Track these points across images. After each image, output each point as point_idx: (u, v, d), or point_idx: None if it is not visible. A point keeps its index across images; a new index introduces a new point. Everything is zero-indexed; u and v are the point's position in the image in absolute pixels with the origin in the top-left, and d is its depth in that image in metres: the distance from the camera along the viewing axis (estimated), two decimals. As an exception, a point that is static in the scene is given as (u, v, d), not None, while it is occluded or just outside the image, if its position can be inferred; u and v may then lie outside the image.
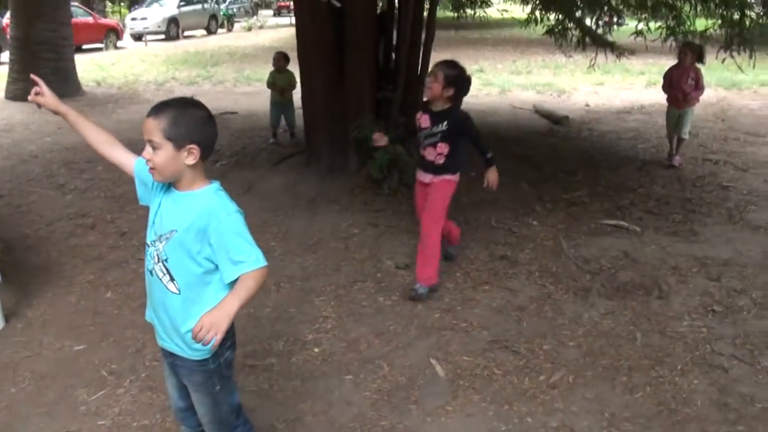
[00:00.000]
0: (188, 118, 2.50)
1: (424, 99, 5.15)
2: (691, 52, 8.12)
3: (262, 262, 2.49)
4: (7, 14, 24.06)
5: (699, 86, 8.20)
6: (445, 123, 4.87)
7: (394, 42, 8.10)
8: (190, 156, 2.50)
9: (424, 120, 4.99)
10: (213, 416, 2.81)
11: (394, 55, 8.08)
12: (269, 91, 10.07)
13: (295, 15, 8.18)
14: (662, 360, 4.19)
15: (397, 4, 8.00)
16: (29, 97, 2.93)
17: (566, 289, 5.16)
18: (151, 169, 2.53)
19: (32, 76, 2.90)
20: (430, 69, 5.25)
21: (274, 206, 6.94)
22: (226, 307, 2.45)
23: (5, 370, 4.21)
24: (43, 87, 2.86)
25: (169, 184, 2.62)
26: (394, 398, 3.84)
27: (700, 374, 4.05)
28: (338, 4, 3.63)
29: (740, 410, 3.72)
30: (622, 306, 4.90)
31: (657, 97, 13.37)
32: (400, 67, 7.67)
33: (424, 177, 5.14)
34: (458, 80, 4.84)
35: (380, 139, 5.27)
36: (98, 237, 6.39)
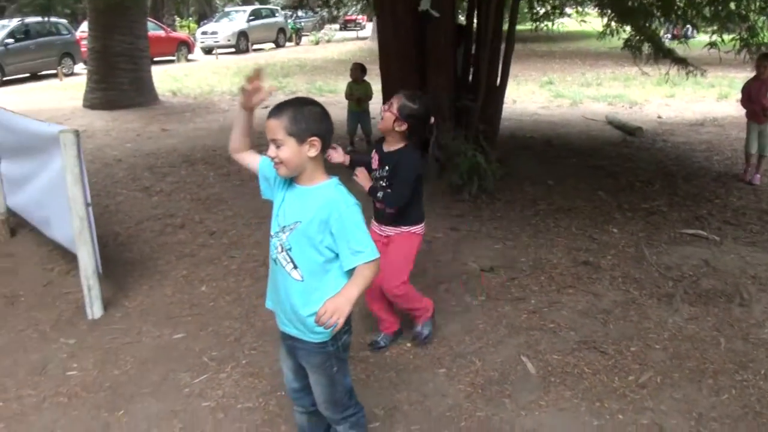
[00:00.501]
0: (306, 115, 2.69)
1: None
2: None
3: (377, 253, 2.68)
4: (81, 28, 25.04)
5: None
6: (391, 167, 4.06)
7: (473, 53, 8.22)
8: (312, 148, 2.69)
9: (374, 159, 4.20)
10: (328, 396, 2.97)
11: (473, 66, 8.21)
12: (343, 101, 10.32)
13: (377, 27, 8.40)
14: (746, 365, 4.24)
15: (476, 17, 8.14)
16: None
17: (650, 294, 5.22)
18: (277, 164, 2.71)
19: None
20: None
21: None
22: (348, 294, 2.64)
23: (107, 354, 4.47)
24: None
25: (291, 180, 2.80)
26: (488, 392, 3.96)
27: (785, 379, 4.09)
28: (436, 14, 3.77)
29: (825, 413, 3.76)
30: (705, 312, 4.95)
31: (729, 109, 13.35)
32: (479, 77, 7.80)
33: (379, 229, 4.27)
34: (415, 116, 3.99)
35: (336, 156, 4.00)
36: (188, 236, 6.65)
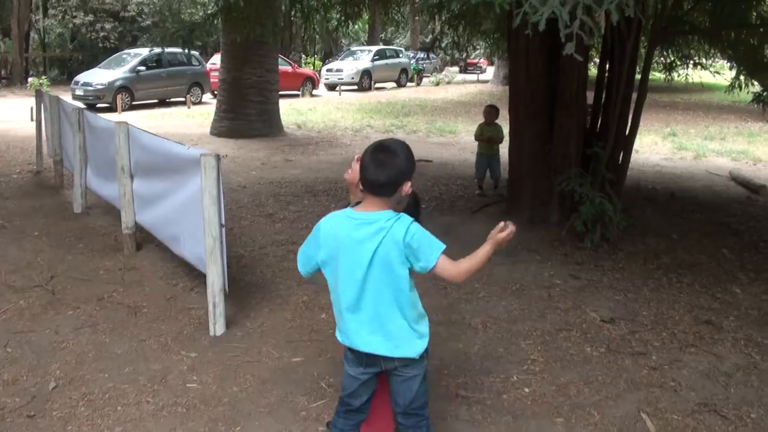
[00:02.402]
0: None
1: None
2: None
3: None
4: (211, 60, 26.09)
5: None
6: None
7: (604, 100, 8.18)
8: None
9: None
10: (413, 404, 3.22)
11: (602, 114, 8.16)
12: (462, 141, 10.35)
13: (509, 70, 8.45)
14: None
15: (609, 64, 8.11)
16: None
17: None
18: None
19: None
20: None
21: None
22: None
23: (227, 370, 4.61)
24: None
25: None
26: (606, 446, 3.91)
27: None
28: (581, 58, 3.80)
29: None
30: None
31: None
32: (609, 125, 7.74)
33: None
34: None
35: None
36: (309, 264, 6.77)
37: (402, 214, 2.99)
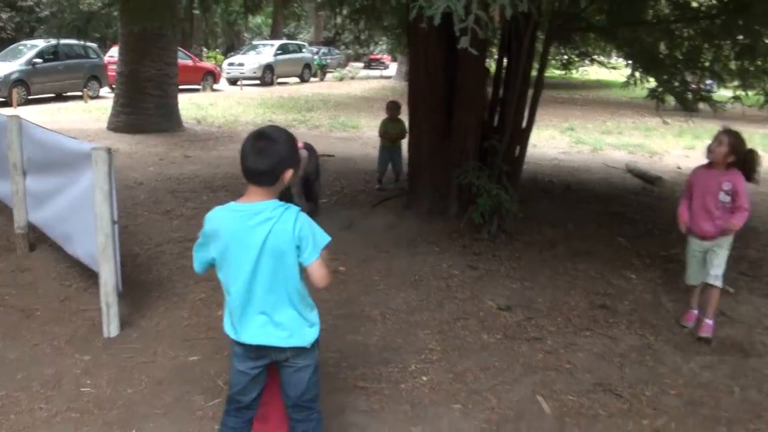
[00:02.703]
0: None
1: None
2: (730, 143, 5.13)
3: None
4: (109, 52, 25.43)
5: (738, 205, 5.12)
6: None
7: (501, 95, 8.31)
8: None
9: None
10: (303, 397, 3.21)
11: (499, 108, 8.29)
12: (365, 136, 10.32)
13: (409, 64, 8.50)
14: (760, 414, 4.24)
15: (506, 61, 8.24)
16: None
17: (666, 340, 5.23)
18: None
19: None
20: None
21: (375, 244, 7.15)
22: None
23: (122, 372, 4.49)
24: None
25: None
26: (503, 429, 3.96)
27: (801, 431, 4.08)
28: (475, 52, 3.83)
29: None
30: (720, 361, 4.95)
31: (751, 164, 13.34)
32: (506, 119, 7.87)
33: None
34: None
35: None
36: (206, 261, 6.67)
37: (289, 204, 2.95)
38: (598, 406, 4.23)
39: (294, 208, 2.93)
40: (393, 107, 10.08)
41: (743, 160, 5.17)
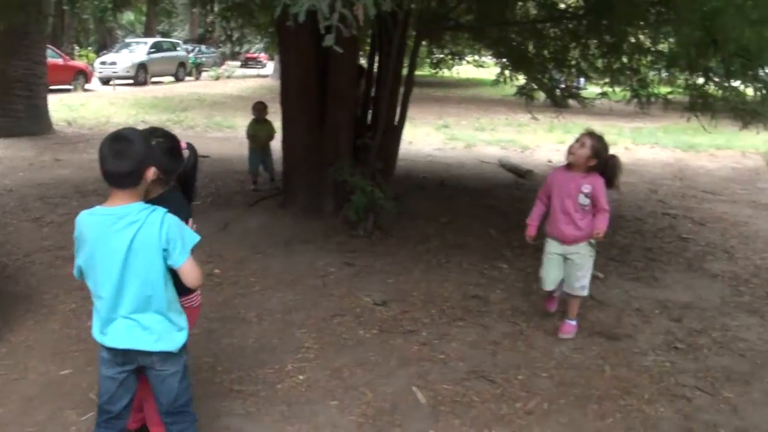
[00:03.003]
0: None
1: None
2: (592, 147, 4.91)
3: None
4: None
5: (599, 208, 4.99)
6: None
7: (374, 93, 8.39)
8: None
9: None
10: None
11: (372, 106, 8.37)
12: (240, 136, 10.18)
13: (280, 63, 8.46)
14: (630, 390, 4.44)
15: (377, 59, 8.32)
16: None
17: (537, 326, 5.40)
18: None
19: None
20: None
21: (250, 245, 7.11)
22: None
23: (-9, 391, 4.30)
24: None
25: None
26: (379, 422, 4.01)
27: (666, 403, 4.31)
28: (340, 50, 3.87)
29: (703, 435, 3.98)
30: (590, 342, 5.16)
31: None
32: (379, 116, 7.95)
33: None
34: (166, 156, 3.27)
35: None
36: (77, 268, 6.48)
37: (156, 206, 2.92)
38: (472, 393, 4.33)
39: (160, 210, 2.90)
40: (260, 108, 9.91)
41: (604, 165, 4.98)
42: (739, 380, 4.70)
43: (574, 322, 5.30)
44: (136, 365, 3.06)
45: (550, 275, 5.27)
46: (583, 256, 5.16)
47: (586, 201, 4.97)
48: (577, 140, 4.98)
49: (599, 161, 4.93)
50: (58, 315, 5.45)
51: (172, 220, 2.92)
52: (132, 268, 2.88)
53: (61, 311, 5.51)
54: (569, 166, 5.07)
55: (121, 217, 2.85)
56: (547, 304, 5.64)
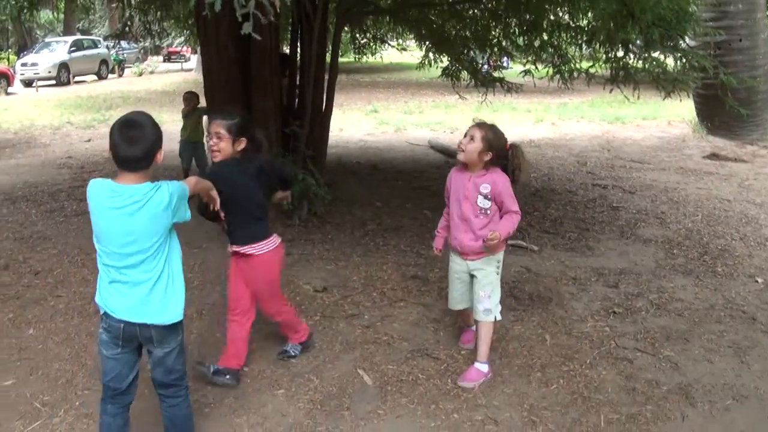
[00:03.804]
0: None
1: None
2: (483, 138, 4.16)
3: None
4: None
5: (506, 210, 4.23)
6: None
7: (298, 81, 8.35)
8: None
9: None
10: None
11: (298, 94, 8.33)
12: (167, 132, 9.69)
13: (201, 56, 8.37)
14: (572, 356, 4.55)
15: (299, 46, 8.28)
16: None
17: (476, 303, 5.45)
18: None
19: None
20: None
21: (185, 240, 6.94)
22: None
23: (-69, 409, 4.19)
24: None
25: None
26: (327, 407, 4.02)
27: (608, 366, 4.43)
28: (258, 37, 3.84)
29: (647, 393, 4.12)
30: (530, 313, 5.26)
31: (545, 132, 14.21)
32: (305, 104, 7.92)
33: (238, 247, 4.25)
34: (244, 129, 4.13)
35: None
36: (12, 277, 6.32)
37: (160, 182, 3.03)
38: (417, 371, 4.38)
39: (164, 184, 3.03)
40: (190, 98, 9.63)
41: (503, 157, 4.24)
42: (678, 339, 4.85)
43: (482, 367, 4.30)
44: (137, 342, 3.18)
45: (454, 293, 4.52)
46: (488, 273, 4.31)
47: (486, 203, 4.18)
48: (466, 134, 4.23)
49: (496, 154, 4.16)
50: (-5, 326, 5.32)
51: (174, 185, 3.05)
52: (136, 244, 3.00)
53: (-2, 322, 5.39)
54: (465, 166, 4.28)
55: (130, 195, 2.94)
56: (463, 336, 4.80)
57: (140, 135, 2.96)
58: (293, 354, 4.61)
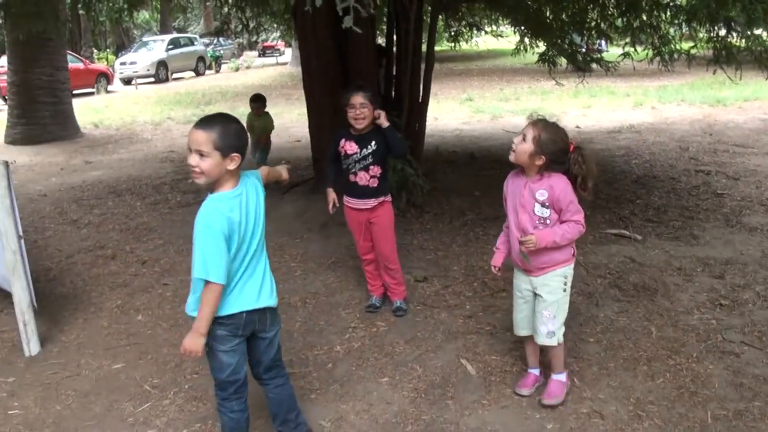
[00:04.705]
0: (232, 132, 3.01)
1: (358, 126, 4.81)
2: (535, 139, 3.63)
3: (218, 279, 2.96)
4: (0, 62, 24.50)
5: (566, 219, 3.71)
6: (373, 143, 4.82)
7: (395, 72, 8.39)
8: (233, 162, 2.98)
9: (349, 146, 4.86)
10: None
11: (395, 85, 8.37)
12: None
13: (299, 49, 8.48)
14: (678, 350, 4.45)
15: (396, 38, 8.32)
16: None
17: (579, 292, 5.39)
18: (197, 173, 2.97)
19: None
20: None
21: (288, 231, 7.18)
22: (195, 328, 3.03)
23: (48, 390, 4.41)
24: None
25: None
26: (431, 395, 4.06)
27: (715, 360, 4.32)
28: (359, 30, 3.89)
29: (755, 389, 3.99)
30: (635, 305, 5.16)
31: (645, 116, 13.87)
32: (402, 94, 7.95)
33: (360, 203, 5.01)
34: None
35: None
36: (120, 266, 6.60)
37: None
38: (521, 363, 4.34)
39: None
40: (257, 102, 9.43)
41: (560, 162, 3.67)
42: (786, 332, 4.70)
43: (561, 377, 4.00)
44: (254, 327, 3.27)
45: (517, 315, 4.05)
46: (553, 290, 3.84)
47: (545, 212, 3.70)
48: (521, 132, 3.76)
49: (550, 158, 3.64)
50: (106, 312, 5.57)
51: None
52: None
53: (108, 308, 5.63)
54: (522, 169, 3.82)
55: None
56: (521, 381, 4.14)
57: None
58: (406, 308, 5.16)
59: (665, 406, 3.85)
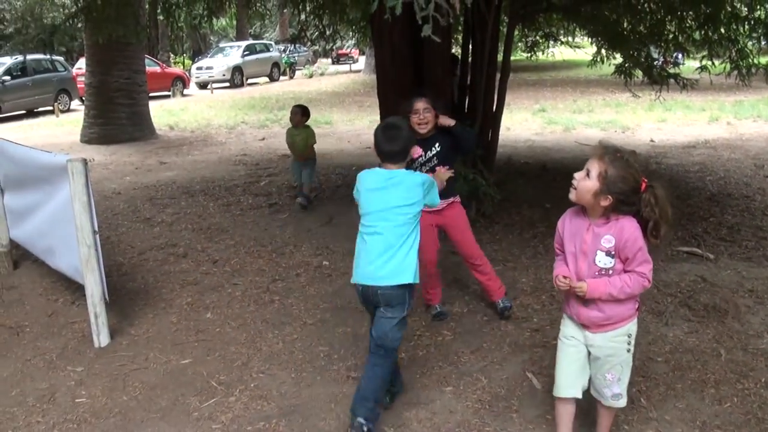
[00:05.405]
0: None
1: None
2: (600, 176, 3.14)
3: None
4: (77, 65, 25.25)
5: (631, 269, 3.18)
6: (437, 145, 5.02)
7: (469, 81, 8.37)
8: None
9: (414, 151, 4.31)
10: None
11: (469, 94, 8.35)
12: (338, 131, 10.00)
13: (375, 57, 8.51)
14: (747, 374, 4.34)
15: (471, 47, 8.30)
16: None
17: (649, 310, 5.30)
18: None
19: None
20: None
21: (353, 238, 7.18)
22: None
23: (115, 381, 4.53)
24: None
25: None
26: (495, 408, 4.04)
27: (785, 387, 4.20)
28: (438, 40, 3.90)
29: (825, 419, 3.86)
30: (704, 325, 5.04)
31: (720, 132, 13.57)
32: (476, 103, 7.93)
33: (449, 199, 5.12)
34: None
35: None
36: (191, 264, 6.72)
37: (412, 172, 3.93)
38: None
39: (418, 173, 3.93)
40: (297, 112, 9.05)
41: (631, 203, 3.13)
42: None
43: None
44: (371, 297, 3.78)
45: (565, 371, 3.47)
46: (617, 351, 3.33)
47: (608, 261, 3.18)
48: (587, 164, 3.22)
49: (619, 197, 3.11)
50: (175, 309, 5.69)
51: (425, 176, 3.90)
52: (393, 212, 3.69)
53: (177, 305, 5.76)
54: (583, 208, 3.32)
55: (391, 177, 3.75)
56: None
57: (398, 135, 3.80)
58: (510, 305, 5.25)
59: (731, 431, 3.76)
